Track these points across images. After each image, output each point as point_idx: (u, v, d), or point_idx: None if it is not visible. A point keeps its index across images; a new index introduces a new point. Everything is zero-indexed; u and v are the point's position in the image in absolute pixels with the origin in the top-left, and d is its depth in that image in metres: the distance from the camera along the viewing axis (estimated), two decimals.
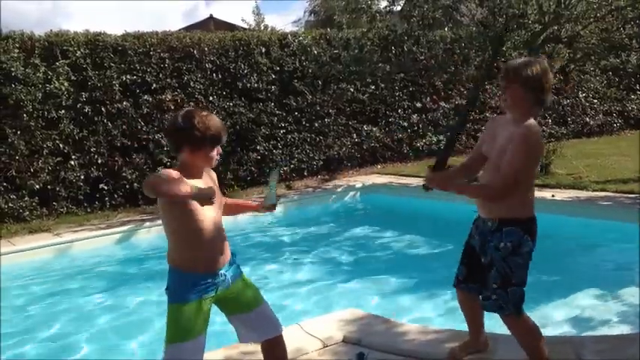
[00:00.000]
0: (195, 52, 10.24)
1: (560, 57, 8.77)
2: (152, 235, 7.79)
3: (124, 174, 9.45)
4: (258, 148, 10.79)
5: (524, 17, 8.10)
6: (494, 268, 2.95)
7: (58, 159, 8.99)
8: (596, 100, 14.74)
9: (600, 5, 8.06)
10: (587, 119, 14.68)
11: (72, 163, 9.09)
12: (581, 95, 14.50)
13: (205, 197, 2.44)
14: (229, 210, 3.04)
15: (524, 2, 8.12)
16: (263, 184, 10.78)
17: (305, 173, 11.38)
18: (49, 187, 8.92)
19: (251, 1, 51.52)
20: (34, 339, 4.98)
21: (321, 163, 11.55)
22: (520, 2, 8.11)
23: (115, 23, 42.24)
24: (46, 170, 8.86)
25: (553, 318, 4.59)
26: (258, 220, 8.89)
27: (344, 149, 11.79)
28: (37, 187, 8.77)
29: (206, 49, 10.37)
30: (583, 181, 8.39)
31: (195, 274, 2.64)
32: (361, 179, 10.78)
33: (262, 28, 27.38)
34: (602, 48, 8.33)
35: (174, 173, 2.51)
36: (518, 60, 2.91)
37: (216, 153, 2.68)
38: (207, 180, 2.75)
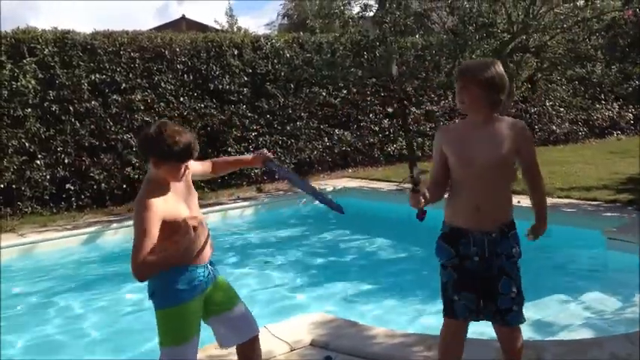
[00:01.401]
0: (166, 52, 10.17)
1: (527, 66, 8.95)
2: (119, 236, 7.70)
3: (91, 174, 9.32)
4: (229, 150, 10.74)
5: (493, 26, 8.25)
6: (505, 278, 2.79)
7: (24, 158, 8.82)
8: (562, 109, 15.07)
9: (567, 17, 8.26)
10: (554, 127, 14.99)
11: (38, 162, 8.93)
12: (548, 104, 14.80)
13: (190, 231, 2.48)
14: (221, 169, 3.20)
15: (494, 12, 8.27)
16: (233, 187, 10.74)
17: (276, 176, 11.34)
18: (13, 186, 8.74)
19: (224, 3, 51.17)
20: None
21: (293, 166, 11.55)
22: (489, 12, 8.27)
23: (84, 20, 41.56)
24: (11, 169, 8.68)
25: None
26: (229, 223, 8.87)
27: (315, 153, 11.82)
28: (2, 186, 8.60)
29: (177, 49, 10.30)
30: (548, 188, 8.54)
31: (181, 268, 2.60)
32: (332, 183, 10.82)
33: (235, 29, 27.21)
34: (569, 58, 8.53)
35: (155, 214, 2.46)
36: (474, 61, 2.92)
37: (183, 169, 2.61)
38: (176, 186, 2.68)
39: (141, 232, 2.40)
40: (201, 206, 8.69)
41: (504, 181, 2.84)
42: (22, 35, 8.95)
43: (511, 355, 2.92)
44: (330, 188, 10.25)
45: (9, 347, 4.73)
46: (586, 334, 4.20)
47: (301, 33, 11.63)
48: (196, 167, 2.95)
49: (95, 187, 9.34)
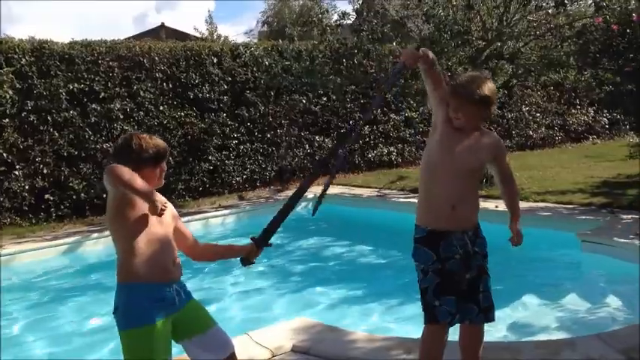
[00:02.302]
0: (145, 61, 10.15)
1: (502, 72, 9.10)
2: (99, 246, 7.65)
3: (70, 184, 9.26)
4: (210, 158, 10.74)
5: (467, 34, 8.39)
6: (484, 276, 2.95)
7: (2, 169, 8.73)
8: (538, 114, 15.31)
9: (540, 24, 8.44)
10: (531, 132, 15.23)
11: (16, 172, 8.84)
12: (524, 109, 15.03)
13: (159, 203, 2.47)
14: (209, 255, 3.22)
15: (468, 19, 8.42)
16: (215, 195, 10.75)
17: (257, 184, 11.40)
18: None
19: (202, 11, 51.18)
20: None
21: (274, 173, 11.60)
22: (464, 19, 8.42)
23: (63, 30, 41.29)
24: None
25: (494, 325, 4.75)
26: (210, 232, 8.86)
27: (296, 160, 11.87)
28: None
29: (156, 58, 10.29)
30: (524, 192, 8.68)
31: (149, 284, 2.57)
32: (313, 190, 10.79)
33: (215, 37, 27.19)
34: (542, 65, 8.71)
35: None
36: (465, 77, 3.01)
37: (159, 172, 2.72)
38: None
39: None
40: (183, 215, 8.67)
41: (475, 184, 3.02)
42: None
43: (473, 355, 3.03)
44: (311, 195, 10.28)
45: None
46: (561, 334, 4.30)
47: (280, 40, 11.70)
48: (183, 228, 2.96)
49: (75, 197, 9.28)
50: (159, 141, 2.73)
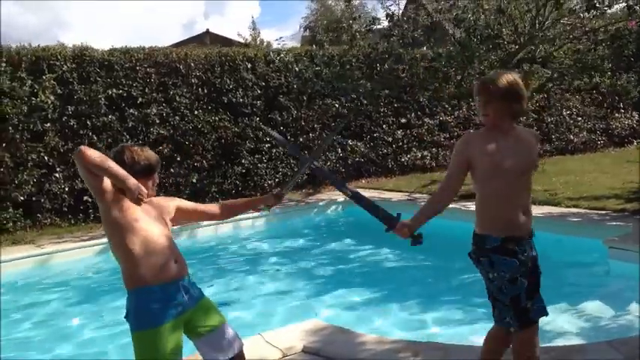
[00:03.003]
0: (181, 67, 10.43)
1: (537, 76, 8.96)
2: None
3: None
4: (242, 161, 10.93)
5: (498, 38, 8.31)
6: (540, 273, 2.95)
7: (43, 171, 9.11)
8: (580, 118, 14.96)
9: (573, 27, 8.29)
10: (571, 137, 14.90)
11: (56, 175, 9.21)
12: (565, 113, 14.72)
13: (134, 186, 2.52)
14: (233, 211, 3.27)
15: (499, 23, 8.34)
16: (247, 197, 10.90)
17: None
18: (33, 198, 9.03)
19: (250, 15, 52.03)
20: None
21: (306, 177, 11.69)
22: (495, 23, 8.34)
23: (114, 35, 42.56)
24: (31, 182, 8.96)
25: None
26: (239, 233, 9.03)
27: (329, 164, 11.94)
28: (22, 198, 8.87)
29: (192, 64, 10.55)
30: (557, 197, 8.54)
31: (154, 286, 2.63)
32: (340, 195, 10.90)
33: (258, 42, 27.56)
34: (575, 68, 8.53)
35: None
36: (492, 75, 2.93)
37: (151, 184, 2.78)
38: (148, 210, 2.78)
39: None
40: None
41: (531, 184, 2.95)
42: (42, 53, 9.28)
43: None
44: (341, 199, 10.37)
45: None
46: (577, 341, 4.23)
47: (314, 46, 11.81)
48: (197, 208, 3.13)
49: None
50: (150, 153, 2.82)
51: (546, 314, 2.91)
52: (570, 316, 4.87)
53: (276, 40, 26.14)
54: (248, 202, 3.49)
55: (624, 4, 7.36)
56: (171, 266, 2.71)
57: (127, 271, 2.65)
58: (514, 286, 2.79)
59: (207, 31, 28.52)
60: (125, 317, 2.69)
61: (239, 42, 24.56)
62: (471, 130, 3.29)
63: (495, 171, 2.79)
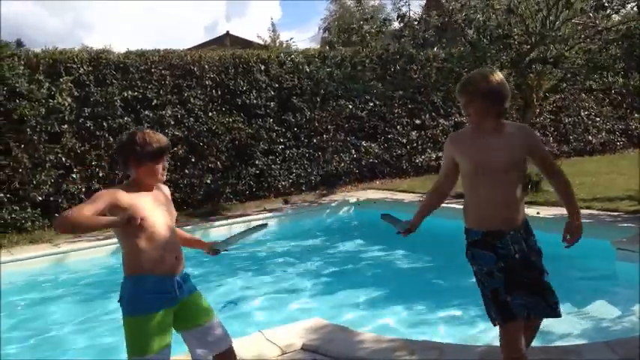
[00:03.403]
0: (195, 69, 10.56)
1: (550, 76, 8.89)
2: None
3: None
4: (256, 162, 11.03)
5: (509, 38, 8.27)
6: (545, 274, 2.94)
7: (60, 172, 9.30)
8: (598, 119, 14.79)
9: (585, 27, 8.22)
10: (590, 137, 14.74)
11: (74, 176, 9.39)
12: (583, 114, 14.56)
13: (121, 222, 2.59)
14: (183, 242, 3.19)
15: (509, 24, 8.30)
16: (261, 198, 11.02)
17: (303, 188, 11.59)
18: (51, 198, 9.21)
19: (271, 16, 52.34)
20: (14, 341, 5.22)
21: (319, 178, 11.76)
22: (506, 23, 8.31)
23: (136, 38, 43.09)
24: (49, 183, 9.16)
25: None
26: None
27: (342, 165, 11.99)
28: (40, 198, 9.07)
29: (206, 66, 10.68)
30: None
31: (152, 276, 2.70)
32: (357, 194, 10.96)
33: (277, 44, 27.70)
34: (587, 69, 8.45)
35: (102, 197, 2.64)
36: (473, 74, 2.95)
37: (161, 168, 2.82)
38: (158, 195, 2.88)
39: (88, 200, 2.62)
40: (227, 217, 9.10)
41: (519, 180, 2.94)
42: (59, 56, 9.48)
43: (528, 344, 3.03)
44: (353, 199, 10.41)
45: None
46: (580, 341, 4.21)
47: (327, 47, 11.87)
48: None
49: None
50: (161, 136, 2.83)
51: (528, 316, 2.87)
52: (574, 317, 4.85)
53: (287, 40, 26.23)
54: (191, 240, 3.41)
55: (635, 4, 7.28)
56: (171, 261, 2.79)
57: (131, 260, 2.74)
58: (492, 279, 2.85)
59: (228, 33, 28.77)
60: (119, 301, 2.76)
61: (258, 44, 24.73)
62: (453, 132, 3.25)
63: (476, 169, 2.87)
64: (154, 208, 2.78)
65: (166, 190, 3.05)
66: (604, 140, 14.87)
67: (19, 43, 22.12)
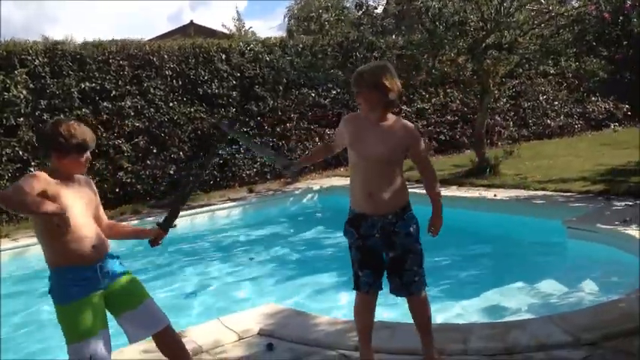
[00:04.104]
0: (154, 59, 10.46)
1: (503, 62, 9.06)
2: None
3: None
4: (220, 152, 10.98)
5: (464, 24, 8.41)
6: (412, 255, 3.16)
7: (18, 165, 9.14)
8: (556, 103, 15.11)
9: (537, 13, 8.39)
10: (549, 121, 15.06)
11: (31, 169, 9.22)
12: (541, 98, 14.86)
13: (60, 221, 2.58)
14: (118, 234, 3.19)
15: (465, 11, 8.43)
16: (226, 188, 11.01)
17: (268, 177, 11.60)
18: None
19: (236, 4, 51.84)
20: None
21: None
22: (461, 10, 8.43)
23: (100, 29, 42.21)
24: (6, 177, 9.01)
25: (469, 307, 4.88)
26: (215, 223, 9.12)
27: (307, 153, 12.01)
28: None
29: (166, 56, 10.59)
30: (527, 181, 8.69)
31: (73, 267, 2.73)
32: (322, 182, 11.03)
33: (243, 33, 27.48)
34: (540, 54, 8.65)
35: (39, 181, 2.62)
36: (365, 66, 3.17)
37: (84, 160, 2.82)
38: (78, 183, 2.86)
39: (23, 180, 2.58)
40: (192, 207, 9.04)
41: (394, 172, 3.14)
42: (13, 48, 9.29)
43: (420, 322, 3.29)
44: (317, 187, 10.48)
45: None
46: (527, 317, 4.37)
47: (285, 35, 11.87)
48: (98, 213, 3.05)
49: None
50: (86, 129, 2.82)
51: (374, 291, 3.24)
52: (524, 294, 5.03)
53: (244, 29, 26.02)
54: (135, 230, 3.49)
55: None
56: (90, 251, 2.78)
57: (49, 252, 2.75)
58: (352, 252, 3.25)
59: (192, 23, 28.37)
60: (49, 292, 2.79)
61: (223, 33, 24.52)
62: (351, 114, 3.48)
63: (356, 156, 3.14)
64: (75, 200, 2.76)
65: (89, 181, 3.02)
66: (562, 124, 15.20)
67: None
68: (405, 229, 3.14)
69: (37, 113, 9.31)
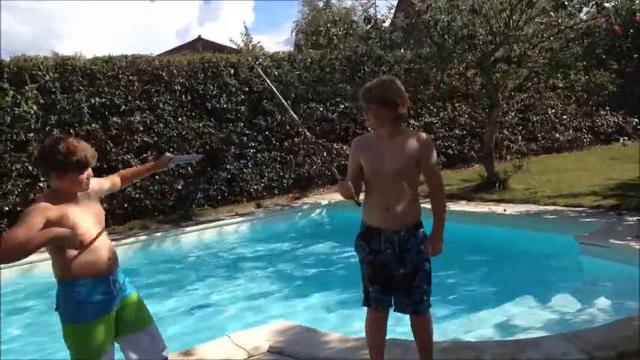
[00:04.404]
0: (164, 74, 10.50)
1: (516, 76, 9.04)
2: (118, 254, 7.94)
3: None
4: (228, 167, 10.99)
5: (473, 38, 8.40)
6: (421, 273, 3.15)
7: (27, 181, 9.15)
8: (565, 116, 15.06)
9: (547, 26, 8.38)
10: (557, 135, 15.00)
11: (41, 184, 9.25)
12: (550, 112, 14.82)
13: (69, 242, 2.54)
14: (129, 180, 3.32)
15: (473, 24, 8.43)
16: (233, 203, 11.00)
17: (276, 191, 11.59)
18: (18, 208, 9.05)
19: (244, 20, 52.18)
20: None
21: (292, 181, 11.77)
22: (470, 24, 8.43)
23: (109, 44, 42.60)
24: (15, 192, 9.02)
25: (480, 324, 4.81)
26: (224, 239, 9.10)
27: (314, 167, 12.02)
28: (7, 208, 8.92)
29: (175, 71, 10.63)
30: (537, 196, 8.62)
31: (83, 279, 2.64)
32: (330, 197, 10.99)
33: (250, 48, 27.62)
34: (549, 67, 8.63)
35: (37, 213, 2.53)
36: (374, 82, 3.17)
37: (85, 177, 2.73)
38: (83, 198, 2.79)
39: (21, 221, 2.47)
40: (200, 223, 9.07)
41: (409, 186, 3.12)
42: (24, 63, 9.34)
43: (423, 342, 3.28)
44: (325, 202, 10.45)
45: None
46: (540, 334, 4.29)
47: (294, 50, 11.91)
48: (105, 183, 3.09)
49: None
50: (85, 146, 2.74)
51: (383, 308, 3.21)
52: (536, 311, 4.96)
53: (253, 44, 26.13)
54: (140, 171, 3.49)
55: (594, 2, 7.44)
56: (103, 262, 2.73)
57: (59, 263, 2.66)
58: (362, 267, 3.24)
59: (200, 38, 28.55)
60: (55, 309, 2.72)
61: (231, 48, 24.64)
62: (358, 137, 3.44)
63: (372, 173, 3.14)
64: (83, 215, 2.70)
65: (91, 192, 2.90)
66: (571, 137, 15.14)
67: None
68: (417, 246, 3.14)
69: (47, 128, 9.34)
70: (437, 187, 3.22)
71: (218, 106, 10.98)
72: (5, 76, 9.09)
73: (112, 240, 8.32)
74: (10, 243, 2.36)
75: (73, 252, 2.63)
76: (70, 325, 2.67)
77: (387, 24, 9.36)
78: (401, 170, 3.07)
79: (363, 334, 4.40)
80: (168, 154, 3.47)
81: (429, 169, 3.17)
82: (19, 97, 9.08)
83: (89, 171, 2.76)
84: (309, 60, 11.39)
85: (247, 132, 11.26)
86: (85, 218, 2.72)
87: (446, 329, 4.67)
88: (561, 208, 7.79)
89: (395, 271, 3.15)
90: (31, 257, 2.61)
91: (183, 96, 10.69)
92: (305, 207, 10.33)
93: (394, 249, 3.12)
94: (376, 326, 3.27)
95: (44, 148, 2.72)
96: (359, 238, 3.24)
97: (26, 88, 9.17)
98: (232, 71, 11.22)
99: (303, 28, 18.77)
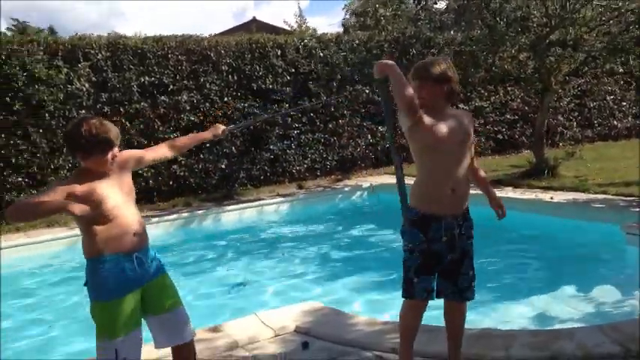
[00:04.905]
0: (212, 54, 10.59)
1: (567, 60, 8.67)
2: (159, 230, 8.15)
3: (140, 172, 9.82)
4: (271, 147, 11.04)
5: (526, 20, 8.09)
6: (467, 259, 3.04)
7: None
8: (624, 103, 14.42)
9: (606, 9, 7.97)
10: (615, 122, 14.39)
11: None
12: (608, 98, 14.22)
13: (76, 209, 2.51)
14: (183, 148, 3.34)
15: (527, 6, 8.10)
16: (276, 183, 11.06)
17: (318, 173, 11.58)
18: None
19: (299, 2, 51.92)
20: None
21: (335, 163, 11.73)
22: (524, 5, 8.12)
23: (167, 24, 43.25)
24: (66, 167, 9.32)
25: (520, 313, 4.70)
26: (263, 219, 9.17)
27: (358, 150, 11.93)
28: None
29: (222, 51, 10.70)
30: (587, 183, 8.31)
31: (109, 256, 2.65)
32: (372, 179, 10.91)
33: (304, 29, 27.55)
34: (607, 51, 8.21)
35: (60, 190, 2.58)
36: (427, 59, 3.09)
37: (110, 157, 2.71)
38: (115, 176, 2.78)
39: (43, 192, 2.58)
40: (242, 202, 9.20)
41: (470, 164, 3.03)
42: (78, 42, 9.61)
43: (456, 328, 3.17)
44: (366, 184, 10.38)
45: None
46: (578, 325, 4.15)
47: (341, 32, 11.79)
48: (147, 156, 3.07)
49: (144, 183, 9.84)
50: (109, 126, 2.72)
51: (430, 299, 3.01)
52: (577, 301, 4.81)
53: (305, 25, 25.93)
54: (197, 136, 3.47)
55: None
56: (129, 238, 2.72)
57: (87, 241, 2.69)
58: (411, 256, 2.97)
59: (254, 19, 28.64)
60: (85, 285, 2.74)
61: (284, 29, 24.63)
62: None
63: (437, 142, 2.88)
64: (112, 190, 2.71)
65: (118, 165, 2.85)
66: (630, 125, 14.51)
67: (52, 30, 22.59)
68: (468, 231, 3.03)
69: (97, 106, 9.59)
70: (477, 163, 3.18)
71: (264, 86, 11.01)
72: (60, 54, 9.37)
73: (156, 216, 8.55)
74: (24, 203, 2.56)
75: (99, 228, 2.65)
76: (95, 302, 2.70)
77: (438, 5, 9.10)
78: (466, 139, 2.95)
79: (390, 319, 4.39)
80: (220, 125, 3.41)
81: (471, 146, 3.08)
82: (72, 74, 9.35)
83: (115, 150, 2.74)
84: (356, 41, 11.25)
85: (292, 113, 11.25)
86: (115, 192, 2.73)
87: (480, 317, 4.56)
88: (611, 197, 7.48)
89: (445, 259, 2.97)
90: (77, 231, 2.73)
91: (229, 76, 10.76)
92: (346, 189, 10.29)
93: (452, 236, 2.93)
94: (413, 316, 3.08)
95: (68, 130, 2.73)
96: (410, 224, 2.96)
97: (79, 65, 9.42)
98: (279, 52, 11.21)
99: (354, 9, 18.54)
